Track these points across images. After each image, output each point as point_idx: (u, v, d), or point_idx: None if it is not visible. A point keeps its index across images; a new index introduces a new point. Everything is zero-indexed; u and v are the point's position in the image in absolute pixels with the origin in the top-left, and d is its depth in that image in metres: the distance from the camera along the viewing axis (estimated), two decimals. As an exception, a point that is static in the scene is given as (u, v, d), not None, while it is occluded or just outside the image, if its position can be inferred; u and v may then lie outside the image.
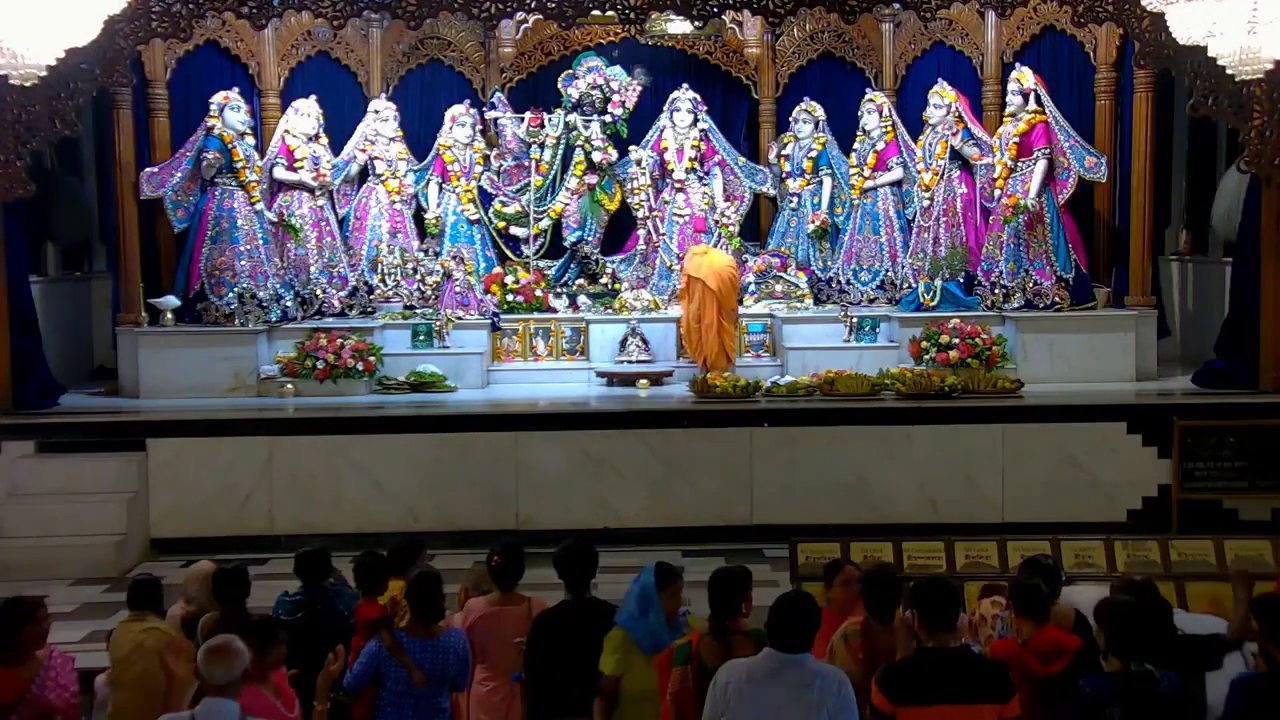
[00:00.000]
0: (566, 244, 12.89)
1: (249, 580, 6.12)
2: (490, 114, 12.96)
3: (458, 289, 12.10)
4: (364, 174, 12.76)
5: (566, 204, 12.88)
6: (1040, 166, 11.48)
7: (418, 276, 12.32)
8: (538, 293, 12.37)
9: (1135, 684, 4.72)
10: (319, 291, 12.27)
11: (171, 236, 11.93)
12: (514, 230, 12.93)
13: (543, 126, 12.85)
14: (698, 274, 11.58)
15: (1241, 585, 5.68)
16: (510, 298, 12.27)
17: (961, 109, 12.12)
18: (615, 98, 12.89)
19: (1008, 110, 11.78)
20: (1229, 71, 8.72)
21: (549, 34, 13.33)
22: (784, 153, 13.10)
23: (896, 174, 12.65)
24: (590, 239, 12.95)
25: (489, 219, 12.89)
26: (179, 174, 11.63)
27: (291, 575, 6.43)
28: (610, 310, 12.28)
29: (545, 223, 12.91)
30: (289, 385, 11.09)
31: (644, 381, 11.37)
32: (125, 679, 5.77)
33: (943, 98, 12.11)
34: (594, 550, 5.86)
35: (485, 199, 12.91)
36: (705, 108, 13.06)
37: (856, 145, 12.82)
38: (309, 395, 10.98)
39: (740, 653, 4.92)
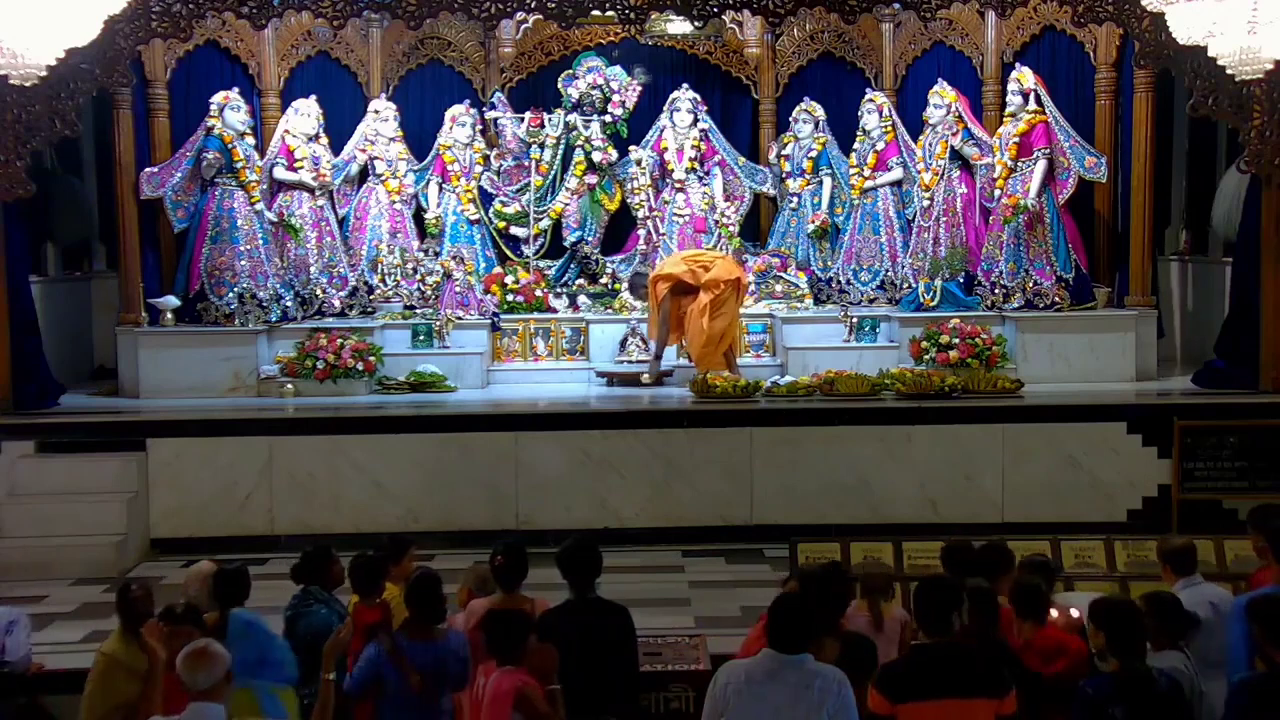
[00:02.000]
0: (566, 244, 12.89)
1: (249, 581, 6.11)
2: (490, 114, 12.96)
3: (458, 289, 12.10)
4: (364, 174, 12.77)
5: (566, 204, 12.88)
6: (1040, 166, 11.48)
7: (418, 276, 12.32)
8: (538, 293, 12.36)
9: (1135, 683, 4.73)
10: (319, 291, 12.27)
11: (171, 236, 11.93)
12: (514, 230, 12.94)
13: (543, 126, 12.85)
14: (731, 276, 11.25)
15: None
16: (510, 298, 12.27)
17: (961, 109, 12.12)
18: (615, 98, 12.89)
19: (1008, 110, 11.78)
20: (1229, 71, 8.72)
21: (549, 34, 13.34)
22: (784, 153, 13.11)
23: (896, 174, 12.65)
24: (590, 239, 12.95)
25: (489, 219, 12.89)
26: (179, 174, 11.63)
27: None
28: (610, 310, 12.28)
29: (545, 223, 12.92)
30: (289, 385, 11.09)
31: (646, 376, 11.34)
32: None
33: (943, 98, 12.11)
34: (598, 549, 5.86)
35: (485, 199, 12.91)
36: (705, 108, 13.07)
37: (856, 145, 12.82)
38: (309, 395, 10.97)
39: (824, 654, 5.06)
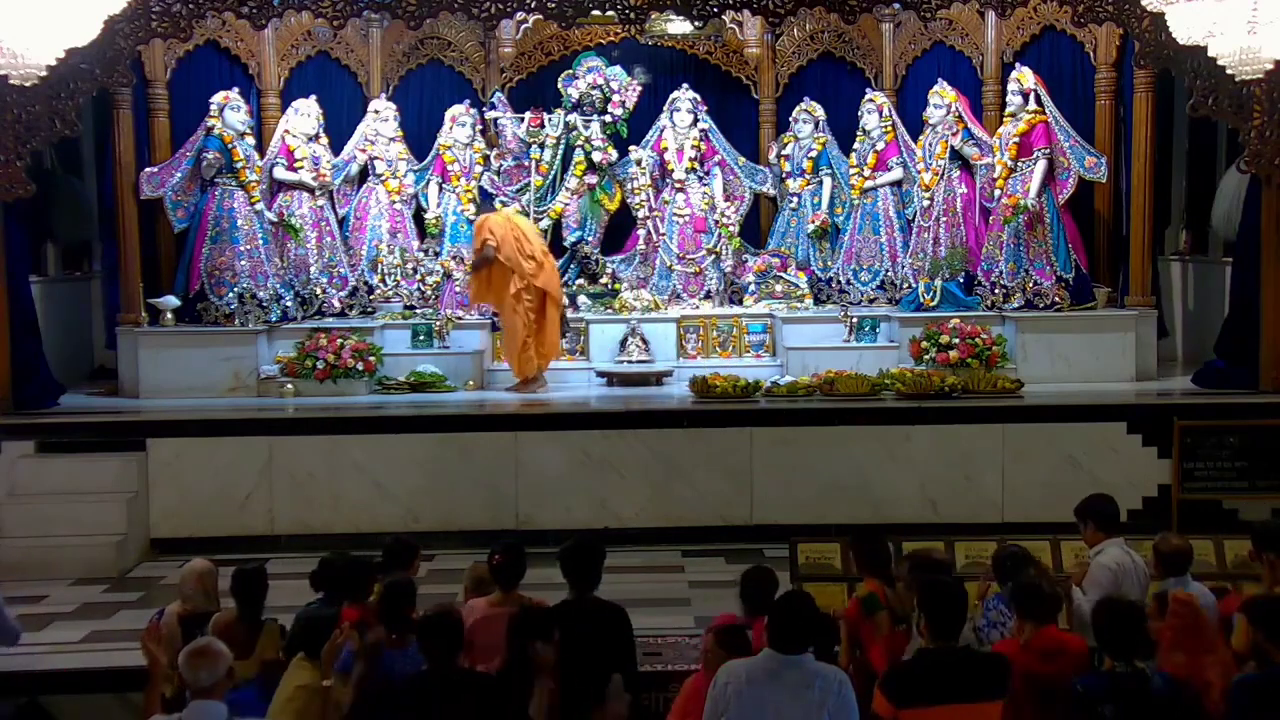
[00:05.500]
0: (566, 244, 12.89)
1: (267, 581, 6.10)
2: (490, 114, 12.95)
3: (458, 289, 12.11)
4: (364, 174, 12.76)
5: (566, 204, 12.87)
6: (1040, 166, 11.47)
7: (418, 276, 12.32)
8: (538, 293, 12.35)
9: (1127, 682, 4.72)
10: (319, 291, 12.27)
11: (171, 236, 11.93)
12: (514, 230, 12.92)
13: (543, 126, 12.84)
14: (549, 289, 11.23)
15: None
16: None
17: (961, 109, 12.11)
18: (615, 98, 12.88)
19: (1008, 110, 11.77)
20: (1229, 71, 8.72)
21: (549, 34, 13.33)
22: (784, 153, 13.11)
23: (896, 174, 12.65)
24: (590, 239, 12.95)
25: (489, 219, 12.87)
26: (179, 174, 11.63)
27: (291, 575, 6.40)
28: (610, 310, 12.28)
29: (545, 223, 12.87)
30: (289, 385, 11.09)
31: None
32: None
33: (943, 98, 12.10)
34: (600, 549, 5.86)
35: (485, 199, 12.89)
36: (705, 108, 13.05)
37: (856, 145, 12.82)
38: (309, 395, 10.97)
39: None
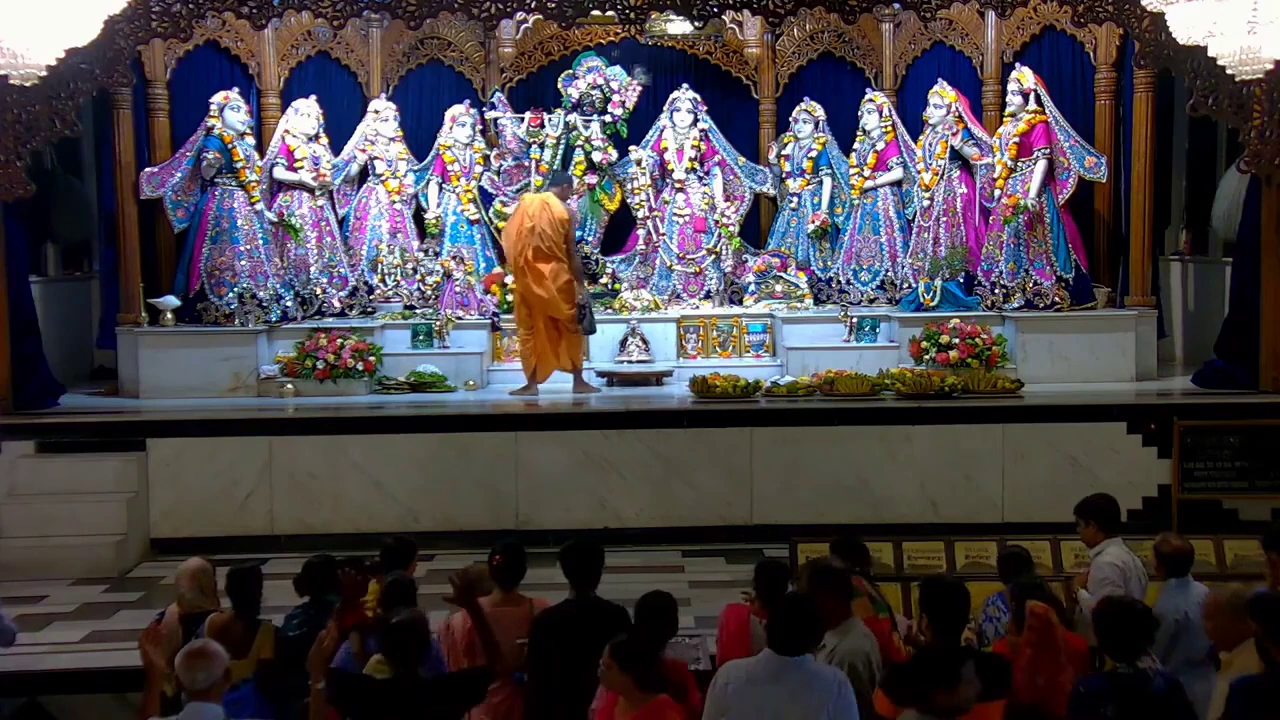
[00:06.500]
0: (566, 244, 12.88)
1: (261, 580, 6.10)
2: (490, 114, 12.95)
3: (458, 289, 12.11)
4: (364, 174, 12.76)
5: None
6: (1040, 166, 11.47)
7: (418, 276, 12.32)
8: (538, 293, 12.33)
9: (1128, 683, 4.72)
10: (319, 291, 12.27)
11: (171, 236, 11.93)
12: (514, 230, 12.91)
13: (543, 126, 12.84)
14: (524, 293, 11.08)
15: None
16: (510, 298, 12.23)
17: (961, 109, 12.11)
18: (615, 98, 12.88)
19: (1008, 110, 11.78)
20: (1229, 71, 8.72)
21: (549, 34, 13.33)
22: (784, 153, 13.11)
23: (896, 174, 12.65)
24: (590, 239, 12.95)
25: (489, 219, 12.88)
26: (179, 174, 11.63)
27: (291, 575, 6.39)
28: (610, 310, 12.28)
29: (546, 223, 12.89)
30: (289, 385, 11.09)
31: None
32: None
33: (943, 98, 12.10)
34: (600, 549, 5.86)
35: (485, 199, 12.90)
36: (705, 108, 13.05)
37: (856, 145, 12.82)
38: (309, 395, 10.97)
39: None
